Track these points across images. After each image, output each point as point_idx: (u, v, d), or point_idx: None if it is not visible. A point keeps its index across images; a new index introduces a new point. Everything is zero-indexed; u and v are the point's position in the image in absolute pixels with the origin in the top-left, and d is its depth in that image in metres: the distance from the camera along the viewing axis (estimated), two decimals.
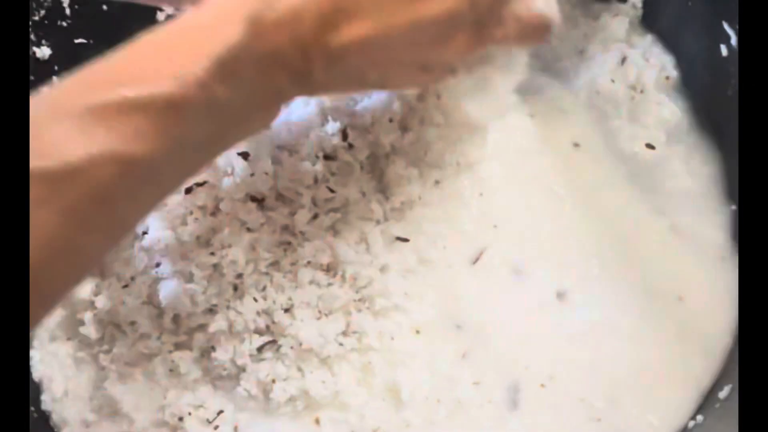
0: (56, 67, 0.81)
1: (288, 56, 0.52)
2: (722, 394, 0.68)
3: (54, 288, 0.49)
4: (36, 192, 0.44)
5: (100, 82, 0.48)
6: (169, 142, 0.49)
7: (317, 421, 0.69)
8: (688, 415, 0.69)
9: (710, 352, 0.71)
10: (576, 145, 0.80)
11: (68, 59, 0.80)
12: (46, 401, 0.75)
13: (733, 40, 0.76)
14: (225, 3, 0.52)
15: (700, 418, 0.68)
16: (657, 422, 0.69)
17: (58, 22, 0.80)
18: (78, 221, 0.47)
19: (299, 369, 0.69)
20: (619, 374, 0.70)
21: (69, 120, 0.46)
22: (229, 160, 0.72)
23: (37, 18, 0.79)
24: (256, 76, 0.52)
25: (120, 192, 0.48)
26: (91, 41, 0.83)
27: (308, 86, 0.57)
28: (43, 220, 0.45)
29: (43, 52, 0.80)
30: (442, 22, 0.55)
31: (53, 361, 0.76)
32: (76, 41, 0.82)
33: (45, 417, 0.75)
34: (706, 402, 0.69)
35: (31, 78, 0.78)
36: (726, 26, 0.77)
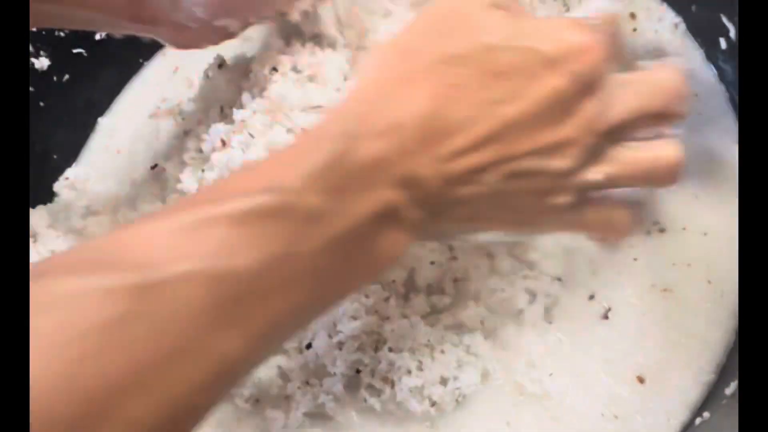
0: (55, 78, 0.81)
1: (391, 161, 0.48)
2: (728, 390, 0.67)
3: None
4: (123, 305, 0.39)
5: (192, 203, 0.47)
6: (265, 256, 0.43)
7: None
8: (693, 411, 0.68)
9: (712, 346, 0.70)
10: None
11: (67, 69, 0.80)
12: None
13: (732, 33, 0.77)
14: (318, 127, 0.50)
15: (706, 414, 0.67)
16: (664, 420, 0.68)
17: (56, 33, 0.81)
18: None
19: None
20: (626, 372, 0.70)
21: (160, 237, 0.42)
22: None
23: (34, 29, 0.79)
24: (358, 186, 0.47)
25: (208, 308, 0.41)
26: (90, 51, 0.83)
27: (428, 204, 0.51)
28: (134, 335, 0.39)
29: (42, 62, 0.80)
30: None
31: None
32: (75, 51, 0.82)
33: None
34: (712, 398, 0.68)
35: (31, 89, 0.78)
36: (724, 19, 0.77)
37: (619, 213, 0.60)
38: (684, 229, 0.76)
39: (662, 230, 0.76)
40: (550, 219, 0.59)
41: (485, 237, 0.63)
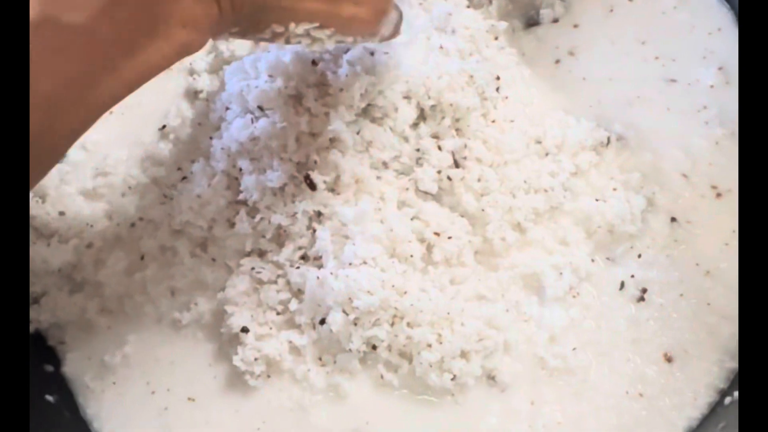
0: None
1: None
2: None
3: None
4: None
5: None
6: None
7: None
8: (720, 391, 0.67)
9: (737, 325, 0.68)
10: None
11: None
12: None
13: None
14: None
15: (737, 394, 0.65)
16: (690, 399, 0.67)
17: None
18: None
19: None
20: (653, 351, 0.69)
21: None
22: None
23: None
24: None
25: None
26: None
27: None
28: None
29: None
30: None
31: None
32: None
33: None
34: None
35: None
36: None
37: None
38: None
39: (719, 194, 0.73)
40: None
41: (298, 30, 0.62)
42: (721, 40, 0.80)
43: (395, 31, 0.69)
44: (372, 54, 0.73)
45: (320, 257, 0.71)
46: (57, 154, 0.58)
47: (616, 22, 0.84)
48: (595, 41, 0.83)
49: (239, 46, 0.85)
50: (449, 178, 0.73)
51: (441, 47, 0.77)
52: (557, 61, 0.83)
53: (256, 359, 0.69)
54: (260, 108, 0.73)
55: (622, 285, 0.71)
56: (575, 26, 0.84)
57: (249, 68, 0.74)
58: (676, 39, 0.81)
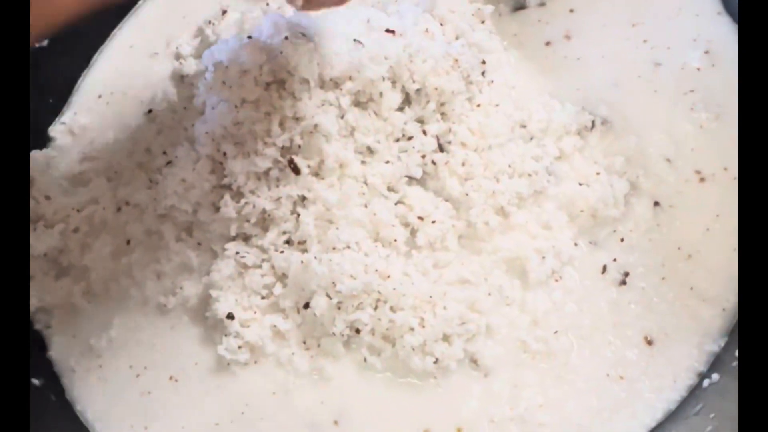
0: None
1: None
2: (738, 353, 0.65)
3: None
4: None
5: None
6: None
7: None
8: (700, 374, 0.67)
9: (726, 312, 0.69)
10: None
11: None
12: None
13: None
14: None
15: (715, 376, 0.66)
16: (670, 382, 0.67)
17: None
18: None
19: None
20: (634, 334, 0.69)
21: None
22: None
23: None
24: None
25: None
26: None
27: None
28: None
29: None
30: None
31: None
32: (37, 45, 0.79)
33: None
34: (721, 361, 0.67)
35: None
36: None
37: None
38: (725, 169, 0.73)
39: (702, 179, 0.73)
40: None
41: None
42: (708, 24, 0.80)
43: None
44: (356, 40, 0.73)
45: (304, 241, 0.71)
46: None
47: (607, 5, 0.83)
48: (586, 24, 0.83)
49: (224, 30, 0.85)
50: (434, 163, 0.73)
51: (427, 31, 0.77)
52: (548, 44, 0.83)
53: (240, 347, 0.70)
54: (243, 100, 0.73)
55: (605, 269, 0.71)
56: (571, 11, 0.84)
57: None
58: (664, 22, 0.81)
